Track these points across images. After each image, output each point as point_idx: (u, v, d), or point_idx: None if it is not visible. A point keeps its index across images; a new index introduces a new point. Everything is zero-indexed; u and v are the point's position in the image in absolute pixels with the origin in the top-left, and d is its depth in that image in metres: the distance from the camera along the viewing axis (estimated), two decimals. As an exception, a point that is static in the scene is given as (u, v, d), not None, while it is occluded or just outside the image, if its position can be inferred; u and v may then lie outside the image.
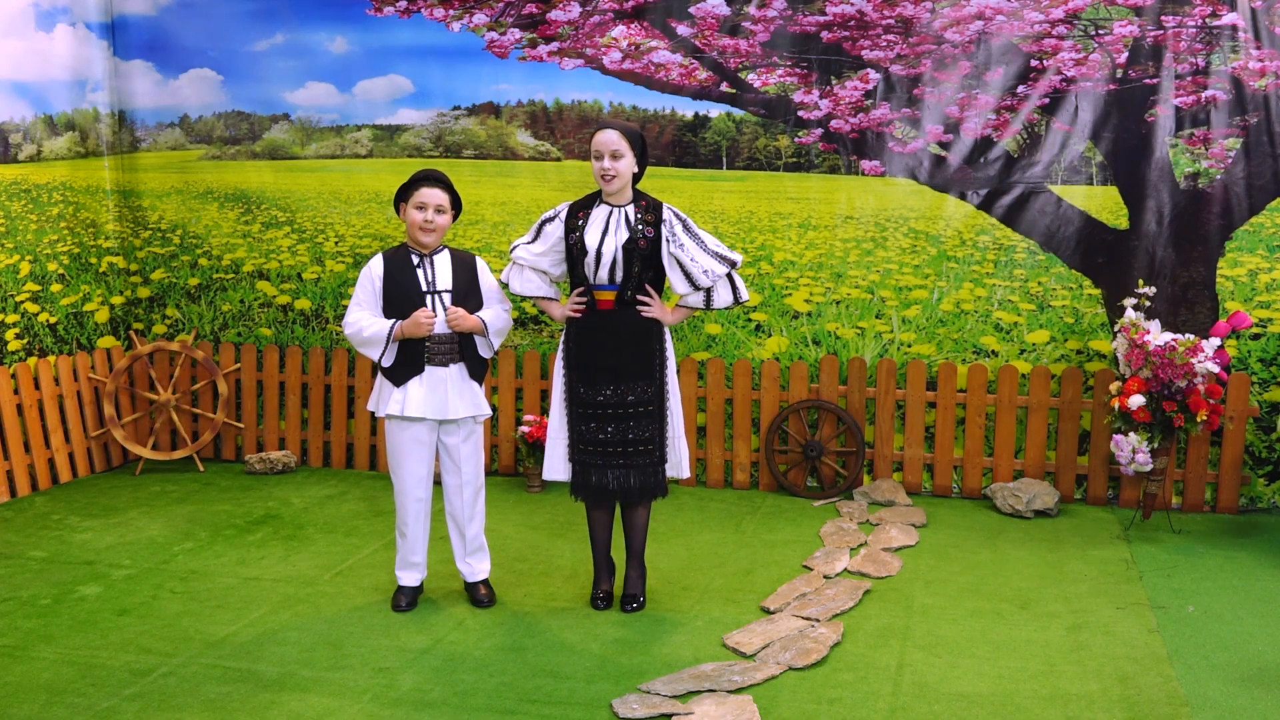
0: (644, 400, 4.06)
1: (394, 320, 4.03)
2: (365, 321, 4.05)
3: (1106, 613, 4.18)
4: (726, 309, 4.23)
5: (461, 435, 4.17)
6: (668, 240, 3.99)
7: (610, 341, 4.05)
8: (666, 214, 4.02)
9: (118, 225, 6.69)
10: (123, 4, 6.52)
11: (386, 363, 4.06)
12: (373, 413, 4.20)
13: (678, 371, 5.89)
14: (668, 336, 4.14)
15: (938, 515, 5.45)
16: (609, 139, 3.93)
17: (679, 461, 4.17)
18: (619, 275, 4.00)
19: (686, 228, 4.03)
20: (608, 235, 3.99)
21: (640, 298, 4.05)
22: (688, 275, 4.01)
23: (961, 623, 4.08)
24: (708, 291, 4.08)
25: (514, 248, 4.20)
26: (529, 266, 4.17)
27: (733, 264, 4.05)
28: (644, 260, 4.00)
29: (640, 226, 3.99)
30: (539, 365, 6.14)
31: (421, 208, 4.03)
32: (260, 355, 6.52)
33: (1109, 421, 5.25)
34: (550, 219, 4.13)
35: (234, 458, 6.61)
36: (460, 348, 4.12)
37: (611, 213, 4.03)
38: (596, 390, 4.06)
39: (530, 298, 4.23)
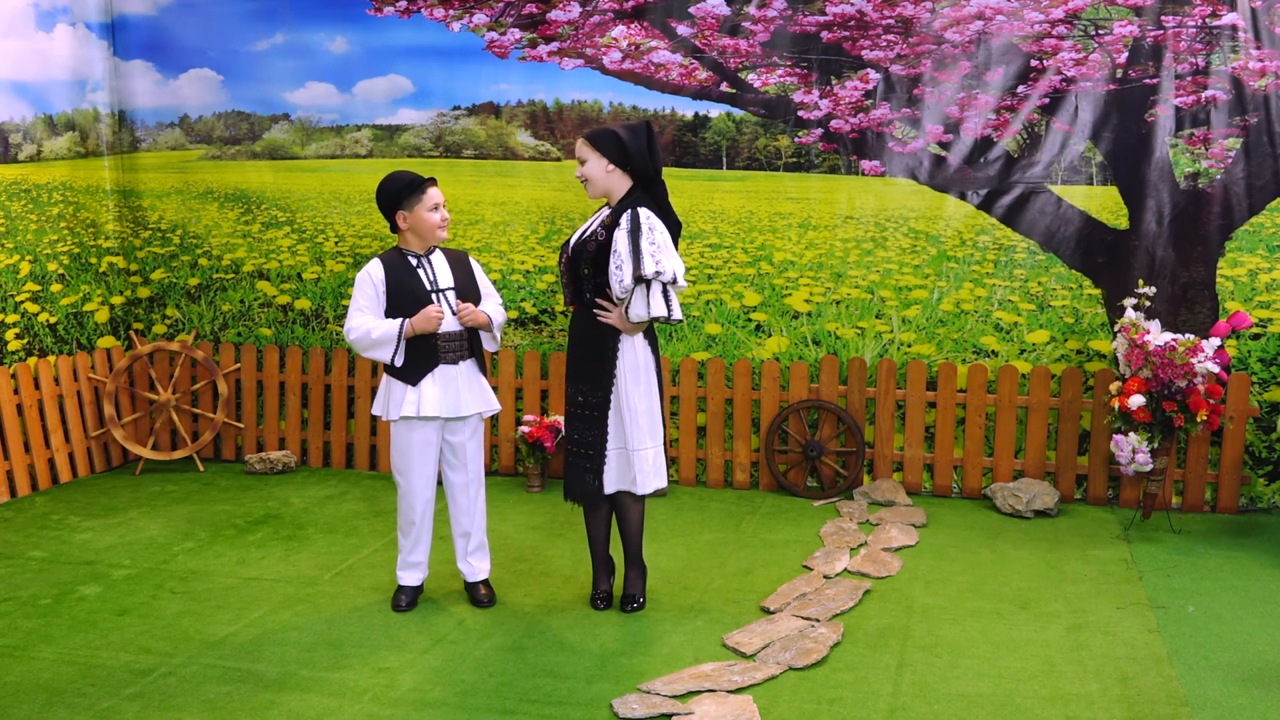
0: (591, 404, 4.04)
1: (402, 319, 4.03)
2: (372, 323, 4.03)
3: (1106, 613, 4.18)
4: (655, 321, 3.94)
5: (468, 432, 4.19)
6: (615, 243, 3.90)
7: (572, 341, 4.11)
8: (623, 219, 3.88)
9: (118, 225, 6.69)
10: (123, 4, 6.52)
11: (399, 362, 4.05)
12: (376, 416, 4.20)
13: (675, 371, 5.95)
14: (627, 344, 3.96)
15: (938, 515, 5.45)
16: (577, 147, 4.02)
17: (636, 477, 3.98)
18: (569, 276, 4.05)
19: (634, 231, 3.83)
20: (580, 237, 4.06)
21: (599, 301, 3.98)
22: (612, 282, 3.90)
23: (961, 623, 4.08)
24: (623, 303, 3.89)
25: None
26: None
27: (642, 277, 3.78)
28: (593, 264, 3.95)
29: (598, 229, 3.97)
30: (539, 365, 6.14)
31: (436, 208, 4.06)
32: (260, 355, 6.52)
33: (1109, 421, 5.25)
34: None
35: (234, 458, 6.61)
36: (470, 343, 4.14)
37: (600, 216, 4.07)
38: (567, 387, 4.16)
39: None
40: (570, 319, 4.14)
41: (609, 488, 4.06)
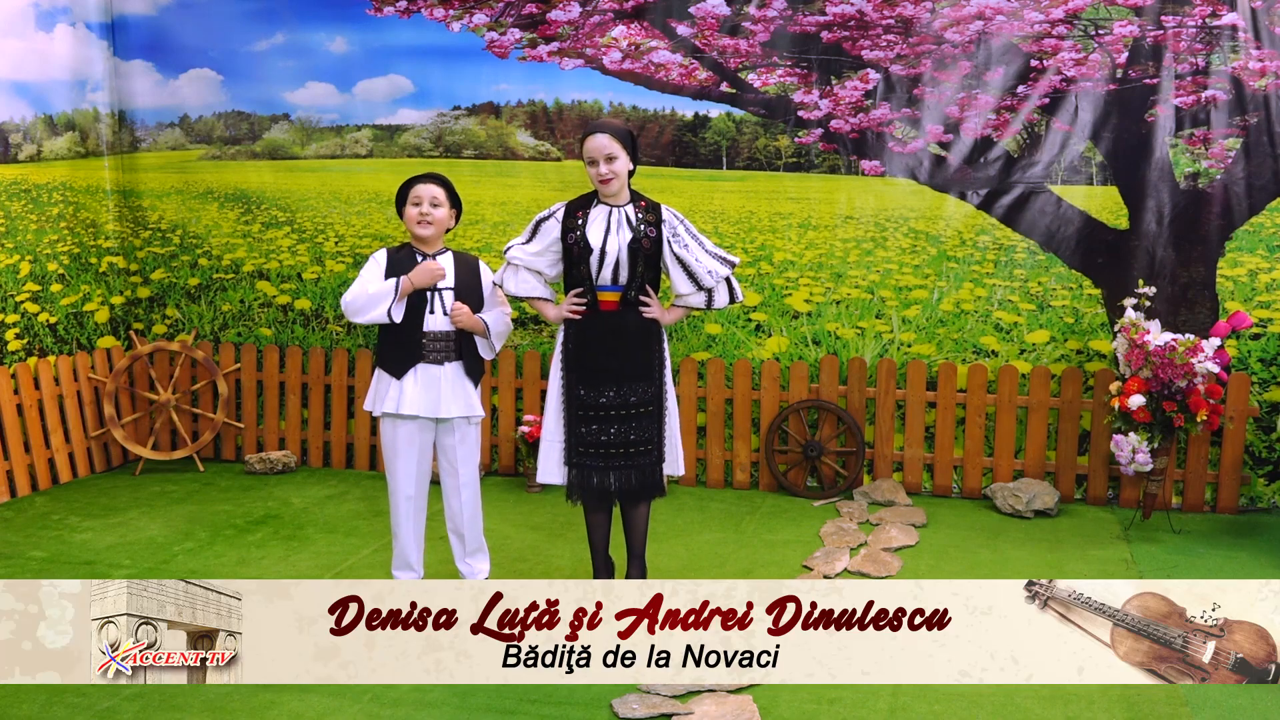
0: (645, 400, 4.05)
1: (399, 275, 4.02)
2: (368, 281, 4.04)
3: (1106, 613, 4.18)
4: (723, 309, 4.26)
5: (457, 437, 4.17)
6: (669, 240, 4.00)
7: (614, 343, 4.03)
8: (666, 214, 4.04)
9: (118, 225, 6.69)
10: (123, 4, 6.52)
11: (397, 316, 3.99)
12: (369, 412, 4.20)
13: (675, 371, 5.94)
14: (664, 336, 4.15)
15: (938, 515, 5.45)
16: (602, 144, 3.92)
17: (676, 459, 4.19)
18: (623, 275, 3.97)
19: (688, 228, 4.08)
20: (610, 235, 3.97)
21: (642, 298, 4.04)
22: (692, 275, 4.03)
23: (961, 623, 4.08)
24: (709, 292, 4.11)
25: (508, 249, 4.14)
26: (524, 267, 4.11)
27: (732, 265, 4.13)
28: (647, 260, 4.00)
29: (643, 226, 3.99)
30: (539, 365, 6.14)
31: (416, 203, 4.05)
32: (260, 355, 6.52)
33: (1109, 421, 5.25)
34: (546, 218, 4.09)
35: (234, 458, 6.61)
36: (458, 346, 4.12)
37: (611, 212, 4.01)
38: (599, 392, 4.03)
39: (526, 298, 4.17)
40: (589, 321, 4.04)
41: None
